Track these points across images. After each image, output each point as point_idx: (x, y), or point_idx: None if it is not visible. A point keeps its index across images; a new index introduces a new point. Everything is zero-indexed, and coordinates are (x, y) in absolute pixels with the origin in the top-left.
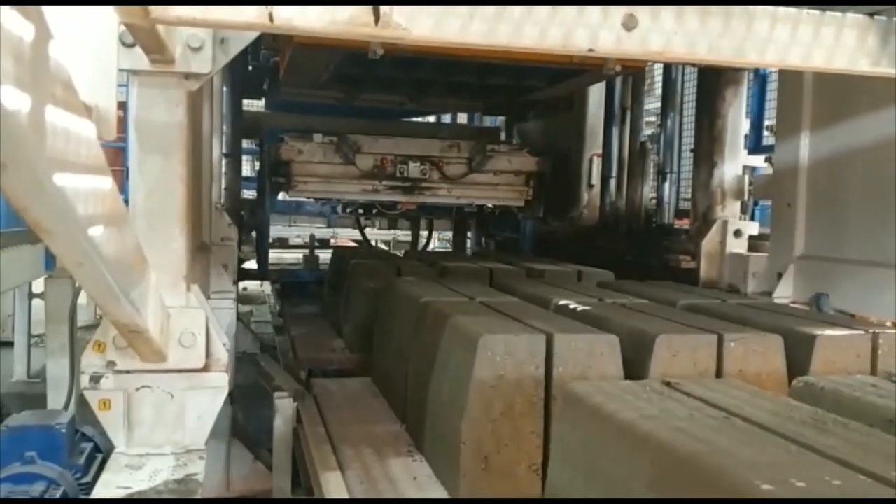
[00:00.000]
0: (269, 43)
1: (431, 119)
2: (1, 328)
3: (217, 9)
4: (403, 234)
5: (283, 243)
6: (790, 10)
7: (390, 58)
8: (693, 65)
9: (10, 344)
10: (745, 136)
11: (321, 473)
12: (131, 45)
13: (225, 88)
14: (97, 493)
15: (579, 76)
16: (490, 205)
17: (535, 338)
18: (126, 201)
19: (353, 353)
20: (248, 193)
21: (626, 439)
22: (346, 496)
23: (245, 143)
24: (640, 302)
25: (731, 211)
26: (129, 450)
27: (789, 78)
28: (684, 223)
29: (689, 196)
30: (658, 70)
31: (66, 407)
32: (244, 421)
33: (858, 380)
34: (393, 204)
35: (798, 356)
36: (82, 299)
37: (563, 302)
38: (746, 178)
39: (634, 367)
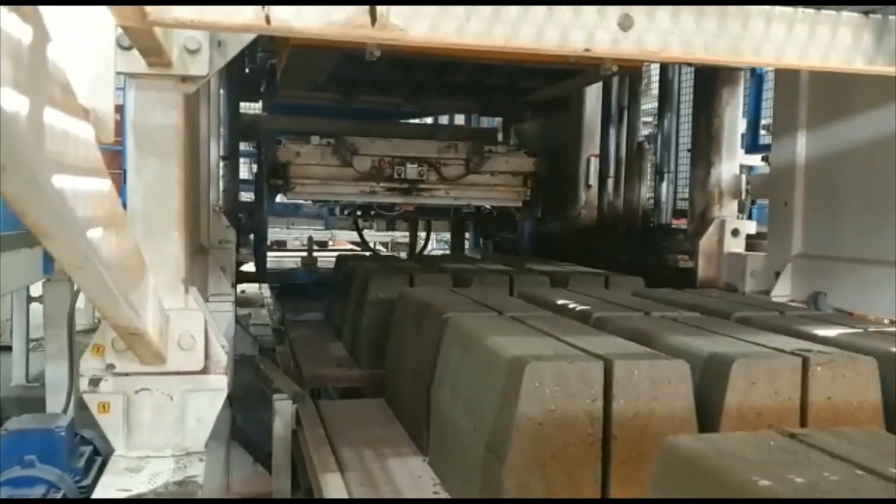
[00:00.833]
0: (267, 45)
1: (429, 120)
2: None
3: (213, 11)
4: (401, 236)
5: (280, 246)
6: (785, 10)
7: (387, 59)
8: (689, 64)
9: (8, 348)
10: (742, 135)
11: (321, 476)
12: (128, 48)
13: (222, 91)
14: (97, 495)
15: (576, 76)
16: (488, 206)
17: (591, 365)
18: (124, 204)
19: (363, 370)
20: (247, 196)
21: None
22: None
23: (242, 146)
24: (691, 316)
25: (728, 210)
26: (129, 452)
27: (785, 77)
28: (682, 223)
29: (687, 196)
30: (655, 70)
31: (65, 410)
32: (243, 423)
33: None
34: (391, 205)
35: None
36: (81, 303)
37: (602, 315)
38: (744, 177)
39: (704, 397)
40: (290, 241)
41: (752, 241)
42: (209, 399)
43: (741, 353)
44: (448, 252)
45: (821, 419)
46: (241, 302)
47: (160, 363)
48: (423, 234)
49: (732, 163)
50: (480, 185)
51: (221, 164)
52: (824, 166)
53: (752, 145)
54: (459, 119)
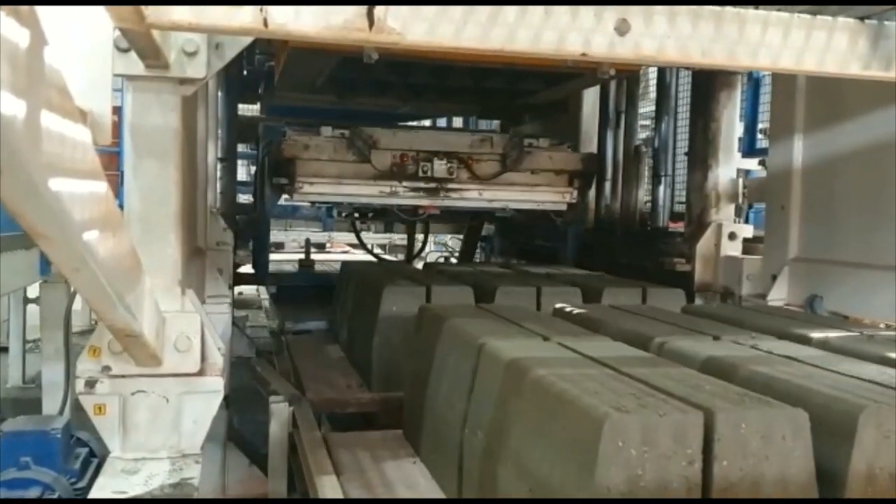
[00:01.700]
0: (265, 47)
1: (427, 123)
2: None
3: (212, 12)
4: (399, 238)
5: (278, 248)
6: (782, 14)
7: (385, 62)
8: (687, 68)
9: (4, 349)
10: (739, 139)
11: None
12: (126, 50)
13: (220, 93)
14: (93, 497)
15: (574, 80)
16: (527, 208)
17: (689, 418)
18: (121, 206)
19: (374, 393)
20: (244, 198)
21: None
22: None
23: (241, 148)
24: (775, 344)
25: (725, 214)
26: (125, 454)
27: (782, 81)
28: (679, 226)
29: (684, 199)
30: (652, 74)
31: (61, 412)
32: (240, 425)
33: None
34: (413, 209)
35: None
36: (77, 304)
37: (665, 341)
38: (740, 180)
39: (821, 454)
40: (287, 244)
41: (748, 245)
42: (205, 401)
43: (865, 397)
44: (446, 255)
45: None
46: (237, 304)
47: (156, 365)
48: (419, 237)
49: (729, 166)
50: (519, 184)
51: (219, 165)
52: (821, 170)
53: (748, 149)
54: (458, 122)
